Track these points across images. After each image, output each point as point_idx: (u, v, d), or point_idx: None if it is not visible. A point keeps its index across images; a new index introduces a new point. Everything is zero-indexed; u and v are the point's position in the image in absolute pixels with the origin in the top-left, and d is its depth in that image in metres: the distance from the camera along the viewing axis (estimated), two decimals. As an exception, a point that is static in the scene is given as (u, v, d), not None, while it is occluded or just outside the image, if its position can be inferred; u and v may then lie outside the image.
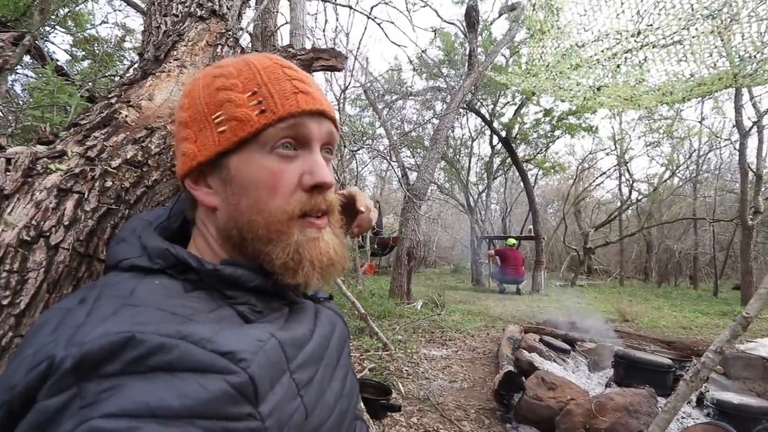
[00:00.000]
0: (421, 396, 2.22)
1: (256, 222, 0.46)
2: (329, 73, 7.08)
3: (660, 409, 1.59)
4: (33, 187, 0.64)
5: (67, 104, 1.18)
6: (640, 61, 4.50)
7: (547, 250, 10.85)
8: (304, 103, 0.47)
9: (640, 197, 11.54)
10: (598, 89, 4.59)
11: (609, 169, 12.47)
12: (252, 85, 0.46)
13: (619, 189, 11.85)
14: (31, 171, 0.65)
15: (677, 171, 10.97)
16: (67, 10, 4.48)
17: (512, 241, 8.44)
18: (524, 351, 2.60)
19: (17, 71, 3.24)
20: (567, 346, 2.87)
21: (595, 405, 1.69)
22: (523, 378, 2.09)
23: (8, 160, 0.65)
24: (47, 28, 4.40)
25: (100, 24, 4.83)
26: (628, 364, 2.27)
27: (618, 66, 4.49)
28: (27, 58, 2.92)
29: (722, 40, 2.77)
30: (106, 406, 0.30)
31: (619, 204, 11.75)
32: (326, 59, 1.43)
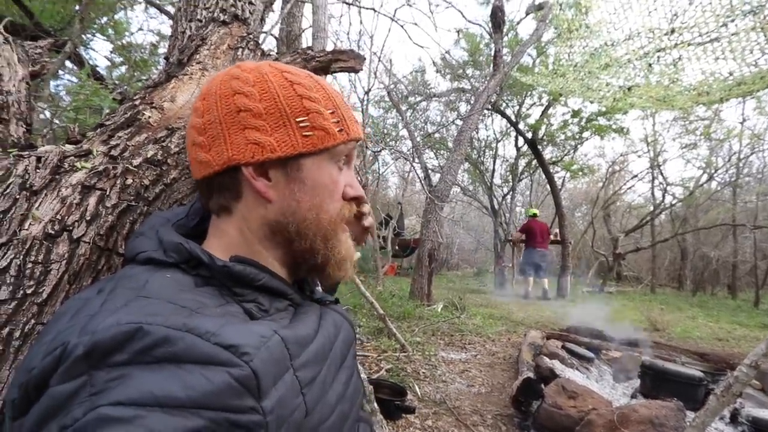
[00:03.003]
0: (437, 399, 2.20)
1: (320, 220, 0.52)
2: (356, 75, 7.14)
3: (688, 424, 1.51)
4: (60, 183, 0.67)
5: (100, 106, 1.24)
6: (674, 60, 4.31)
7: (574, 255, 10.52)
8: (360, 133, 0.56)
9: (674, 201, 11.00)
10: (629, 89, 4.42)
11: (641, 172, 11.97)
12: (331, 105, 0.52)
13: (652, 193, 11.34)
14: (59, 169, 0.69)
15: (715, 174, 10.41)
16: (106, 18, 4.73)
17: (534, 211, 8.06)
18: (545, 357, 2.53)
19: (61, 77, 3.44)
20: (591, 354, 2.77)
21: (618, 416, 1.62)
22: (543, 385, 2.03)
23: (39, 159, 0.69)
24: (89, 36, 4.66)
25: (137, 31, 5.07)
26: (656, 375, 2.16)
27: (650, 65, 4.31)
28: (70, 65, 3.11)
29: (765, 36, 2.61)
30: (114, 394, 0.31)
31: (651, 208, 11.25)
32: (345, 60, 1.45)
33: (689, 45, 3.54)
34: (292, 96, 0.50)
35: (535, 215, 7.86)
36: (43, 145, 0.77)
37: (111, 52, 5.10)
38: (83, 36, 4.31)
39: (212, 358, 0.35)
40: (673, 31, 3.60)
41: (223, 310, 0.43)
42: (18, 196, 0.63)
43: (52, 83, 2.40)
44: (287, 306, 0.51)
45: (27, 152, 0.70)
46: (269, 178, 0.50)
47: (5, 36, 0.85)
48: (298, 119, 0.50)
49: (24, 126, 0.81)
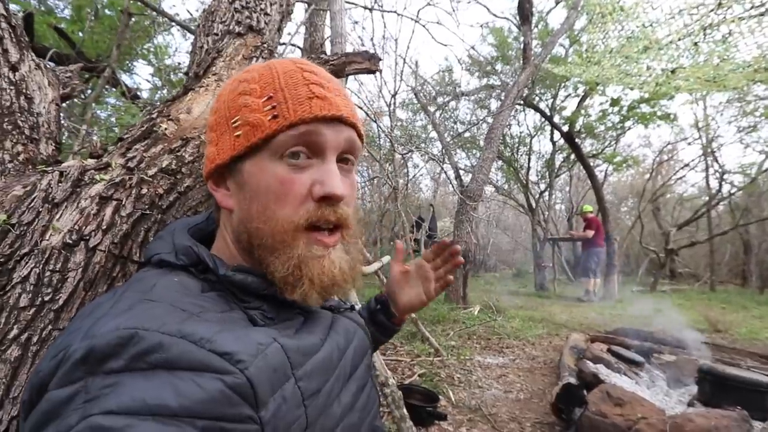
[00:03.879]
0: (472, 405, 2.13)
1: (262, 230, 0.45)
2: (381, 79, 7.17)
3: (754, 436, 1.36)
4: (80, 195, 0.71)
5: (131, 124, 1.31)
6: (723, 36, 3.98)
7: (621, 253, 9.91)
8: (318, 109, 0.45)
9: (733, 190, 10.09)
10: (673, 72, 4.12)
11: (693, 160, 11.08)
12: (269, 90, 0.45)
13: (707, 182, 10.46)
14: (79, 182, 0.73)
15: (781, 158, 9.44)
16: (148, 44, 5.07)
17: (589, 207, 7.59)
18: (588, 362, 2.38)
19: (105, 101, 3.72)
20: (640, 358, 2.58)
21: (671, 426, 1.49)
22: (586, 391, 1.91)
23: (61, 173, 0.73)
24: (132, 64, 5.00)
25: (174, 53, 5.38)
26: (716, 381, 1.97)
27: (696, 44, 4.00)
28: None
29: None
30: (107, 402, 0.31)
31: (707, 199, 10.39)
32: (359, 62, 1.44)
33: (740, 18, 3.25)
34: (233, 97, 0.48)
35: (591, 212, 7.47)
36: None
37: (152, 75, 5.45)
38: (126, 62, 4.64)
39: (205, 365, 0.35)
40: (720, 4, 3.33)
41: (226, 316, 0.42)
42: (41, 209, 0.66)
43: (96, 107, 2.58)
44: (296, 314, 0.50)
45: (51, 168, 0.74)
46: (228, 187, 0.50)
47: (36, 62, 0.91)
48: (233, 120, 0.47)
49: (53, 144, 0.86)
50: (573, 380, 2.02)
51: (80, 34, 3.43)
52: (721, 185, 10.01)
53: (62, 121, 0.95)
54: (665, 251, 9.07)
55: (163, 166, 0.80)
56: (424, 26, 4.98)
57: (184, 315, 0.38)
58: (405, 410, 1.55)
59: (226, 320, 0.41)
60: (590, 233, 7.11)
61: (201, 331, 0.36)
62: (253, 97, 0.46)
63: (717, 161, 9.97)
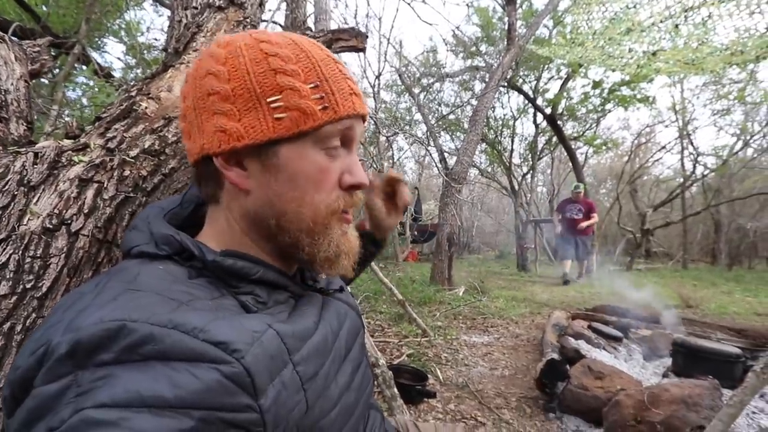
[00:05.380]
0: (459, 383, 2.19)
1: (302, 214, 0.46)
2: (365, 60, 7.02)
3: (725, 403, 1.44)
4: (58, 178, 0.67)
5: (105, 103, 1.25)
6: (703, 19, 4.03)
7: (600, 233, 10.21)
8: (359, 107, 0.48)
9: (706, 172, 10.45)
10: (654, 54, 4.17)
11: (669, 143, 11.38)
12: (313, 78, 0.45)
13: (682, 164, 10.78)
14: (56, 164, 0.69)
15: (751, 141, 9.78)
16: (119, 20, 4.80)
17: (584, 186, 6.83)
18: (570, 338, 2.47)
19: (76, 81, 3.52)
20: (619, 334, 2.69)
21: (648, 396, 1.56)
22: (568, 366, 1.98)
23: (36, 155, 0.69)
24: (102, 40, 4.74)
25: (147, 30, 5.13)
26: (689, 353, 2.07)
27: (677, 26, 4.05)
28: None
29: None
30: (99, 395, 0.30)
31: (681, 180, 10.74)
32: (346, 39, 1.40)
33: (720, 1, 3.30)
34: (264, 71, 0.44)
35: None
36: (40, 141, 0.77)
37: (124, 53, 5.18)
38: (97, 39, 4.40)
39: (201, 356, 0.34)
40: (700, -14, 3.36)
41: (217, 303, 0.41)
42: (16, 192, 0.63)
43: (67, 86, 2.44)
44: (287, 298, 0.49)
45: (25, 149, 0.70)
46: (244, 167, 0.46)
47: (1, 36, 0.85)
48: (269, 99, 0.44)
49: (24, 124, 0.81)
50: (556, 356, 2.09)
51: (44, 8, 3.22)
52: (695, 167, 10.35)
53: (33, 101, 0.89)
54: (641, 231, 9.38)
55: (146, 146, 0.77)
56: (408, 3, 4.86)
57: (174, 304, 0.37)
58: (396, 389, 1.58)
59: (217, 308, 0.40)
60: (596, 218, 6.68)
61: (193, 320, 0.35)
62: (296, 80, 0.44)
63: (692, 143, 10.28)
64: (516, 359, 2.64)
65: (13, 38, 1.02)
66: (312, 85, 0.45)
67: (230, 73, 0.44)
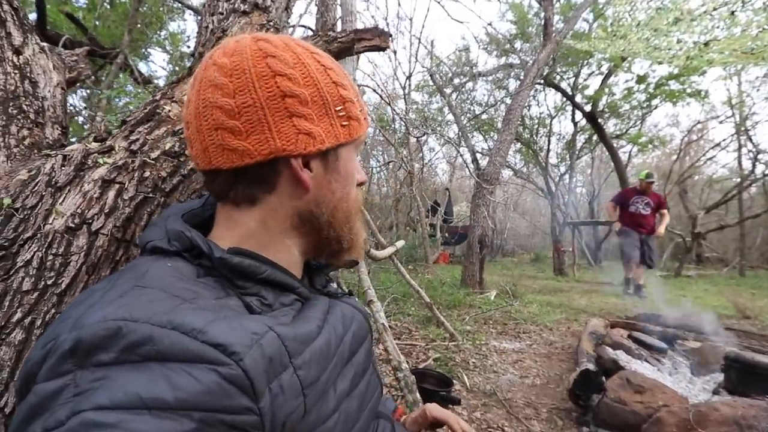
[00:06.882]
0: (487, 390, 2.11)
1: (348, 208, 0.53)
2: (396, 60, 7.01)
3: (785, 427, 1.29)
4: (83, 179, 0.70)
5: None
6: (764, 4, 3.71)
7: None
8: (368, 121, 0.57)
9: (767, 171, 9.57)
10: (706, 44, 3.88)
11: (724, 140, 10.52)
12: (353, 94, 0.52)
13: (739, 162, 9.92)
14: (83, 165, 0.72)
15: (822, 137, 8.85)
16: (163, 31, 5.08)
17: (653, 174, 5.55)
18: (608, 348, 2.33)
19: (125, 89, 3.76)
20: (663, 345, 2.50)
21: (693, 415, 1.43)
22: (605, 378, 1.86)
23: (65, 157, 0.73)
24: (149, 50, 5.03)
25: (188, 39, 5.39)
26: (743, 369, 1.89)
27: (733, 13, 3.75)
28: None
29: None
30: (98, 397, 0.30)
31: (738, 180, 9.90)
32: (369, 39, 1.39)
33: (783, -17, 3.02)
34: (329, 83, 0.49)
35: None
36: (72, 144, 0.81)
37: (167, 63, 5.47)
38: (142, 50, 4.67)
39: (199, 357, 0.33)
40: (761, -32, 3.09)
41: (220, 303, 0.41)
42: (44, 193, 0.66)
43: (114, 94, 2.61)
44: (294, 301, 0.48)
45: (55, 152, 0.73)
46: (311, 168, 0.48)
47: (41, 45, 0.90)
48: (337, 108, 0.49)
49: (59, 129, 0.86)
50: (591, 366, 1.97)
51: (96, 23, 3.45)
52: (754, 165, 9.52)
53: (81, 109, 0.95)
54: (692, 235, 8.74)
55: (166, 148, 0.79)
56: (439, 2, 4.80)
57: (176, 301, 0.37)
58: (418, 394, 1.55)
59: (220, 308, 0.40)
60: (668, 216, 5.72)
61: (193, 321, 0.35)
62: (350, 94, 0.51)
63: (751, 140, 9.46)
64: (549, 368, 2.52)
65: (62, 50, 1.09)
66: (356, 99, 0.52)
67: (303, 78, 0.46)
